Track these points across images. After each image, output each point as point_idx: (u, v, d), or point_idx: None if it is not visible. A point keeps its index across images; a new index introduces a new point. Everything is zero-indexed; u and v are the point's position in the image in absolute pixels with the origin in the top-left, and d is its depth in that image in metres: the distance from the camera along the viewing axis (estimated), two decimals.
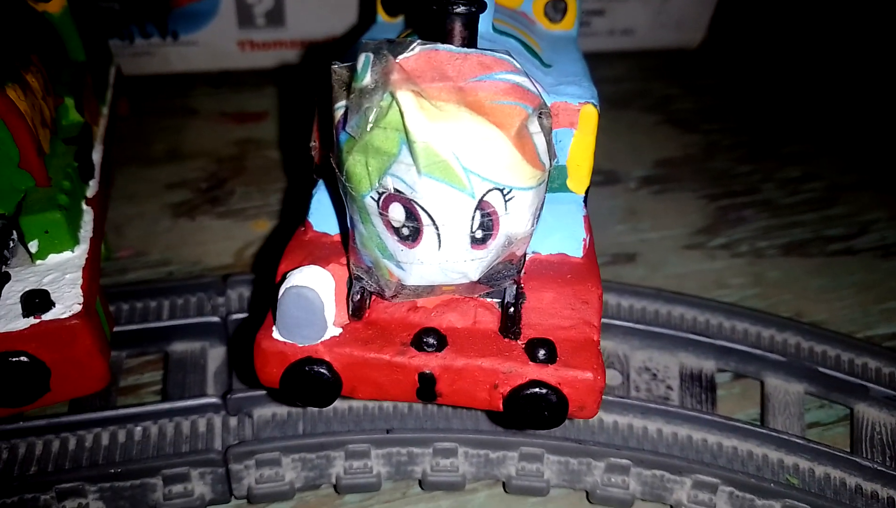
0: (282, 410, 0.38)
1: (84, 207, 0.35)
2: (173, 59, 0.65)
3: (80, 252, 0.31)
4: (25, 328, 0.27)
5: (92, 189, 0.37)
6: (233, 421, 0.37)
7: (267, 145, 0.60)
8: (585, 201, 0.35)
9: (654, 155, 0.63)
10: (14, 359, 0.27)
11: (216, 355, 0.41)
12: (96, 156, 0.41)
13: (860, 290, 0.51)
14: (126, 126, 0.58)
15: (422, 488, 0.37)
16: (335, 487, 0.36)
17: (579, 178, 0.34)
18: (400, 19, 0.44)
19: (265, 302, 0.41)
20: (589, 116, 0.33)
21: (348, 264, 0.31)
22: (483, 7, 0.28)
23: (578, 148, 0.33)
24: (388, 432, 0.36)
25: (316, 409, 0.37)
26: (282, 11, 0.64)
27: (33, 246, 0.31)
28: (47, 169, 0.33)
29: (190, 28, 0.64)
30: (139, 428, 0.36)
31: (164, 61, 0.65)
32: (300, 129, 0.62)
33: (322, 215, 0.34)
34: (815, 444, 0.37)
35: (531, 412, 0.29)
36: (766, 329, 0.44)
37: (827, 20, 0.83)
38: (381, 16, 0.44)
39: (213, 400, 0.37)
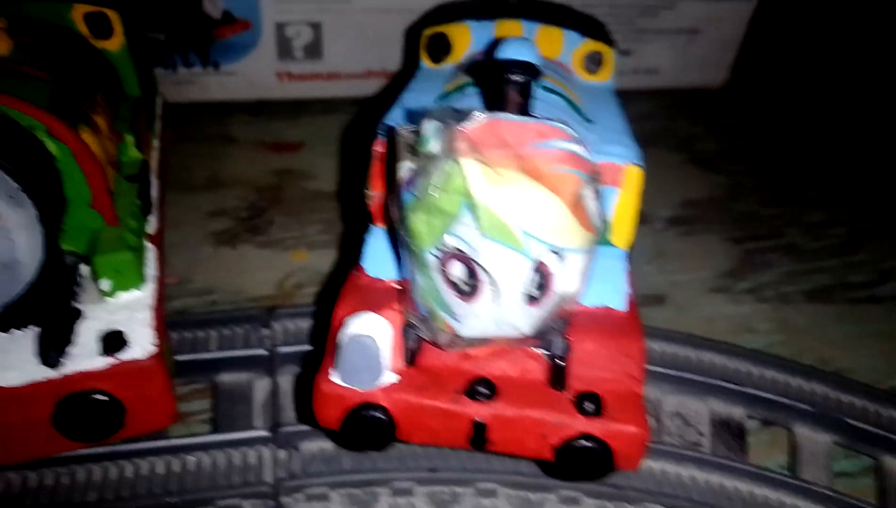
0: (328, 444, 0.39)
1: (147, 244, 0.36)
2: (213, 87, 0.67)
3: (147, 290, 0.33)
4: (104, 368, 0.29)
5: (152, 225, 0.39)
6: (281, 454, 0.39)
7: (303, 176, 0.62)
8: (629, 255, 0.36)
9: (680, 196, 0.64)
10: (94, 397, 0.29)
11: (262, 386, 0.43)
12: (153, 191, 0.43)
13: (884, 338, 0.52)
14: (168, 153, 0.59)
15: None
16: None
17: (623, 234, 0.35)
18: (444, 66, 0.46)
19: (320, 342, 0.42)
20: (633, 176, 0.34)
21: (403, 311, 0.32)
22: (537, 75, 0.30)
23: (623, 206, 0.35)
24: (431, 471, 0.37)
25: None
26: (319, 45, 0.66)
27: (105, 285, 0.32)
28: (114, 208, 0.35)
29: (231, 58, 0.66)
30: (192, 458, 0.38)
31: (204, 89, 0.67)
32: (335, 163, 0.64)
33: (375, 261, 0.35)
34: (844, 496, 0.38)
35: (578, 463, 0.30)
36: (794, 378, 0.46)
37: (850, 64, 0.84)
38: (425, 62, 0.46)
39: (263, 433, 0.39)
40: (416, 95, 0.40)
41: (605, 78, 0.45)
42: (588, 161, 0.28)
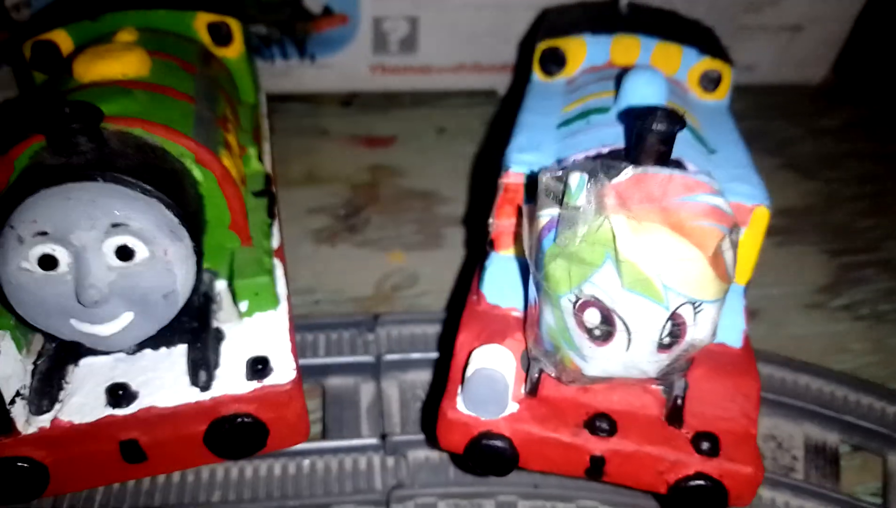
0: (434, 454, 0.41)
1: (275, 260, 0.38)
2: (307, 79, 0.68)
3: (281, 310, 0.35)
4: (251, 392, 0.31)
5: (276, 240, 0.40)
6: (390, 461, 0.41)
7: (397, 173, 0.63)
8: (745, 291, 0.36)
9: (776, 203, 0.63)
10: (241, 420, 0.31)
11: (367, 391, 0.45)
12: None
13: None
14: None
15: None
16: None
17: (743, 271, 0.35)
18: (556, 79, 0.46)
19: (445, 357, 0.44)
20: (761, 218, 0.34)
21: (525, 341, 0.34)
22: (683, 125, 0.30)
23: (747, 245, 0.35)
24: (535, 487, 0.39)
25: None
26: (415, 39, 0.66)
27: (243, 306, 0.34)
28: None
29: (326, 51, 0.67)
30: (307, 462, 0.40)
31: (299, 81, 0.68)
32: (427, 159, 0.64)
33: (494, 289, 0.36)
34: None
35: (694, 500, 0.31)
36: (891, 406, 0.45)
37: None
38: (538, 74, 0.46)
39: (373, 441, 0.41)
40: (535, 118, 0.40)
41: (720, 97, 0.44)
42: (729, 215, 0.28)
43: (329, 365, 0.45)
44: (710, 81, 0.45)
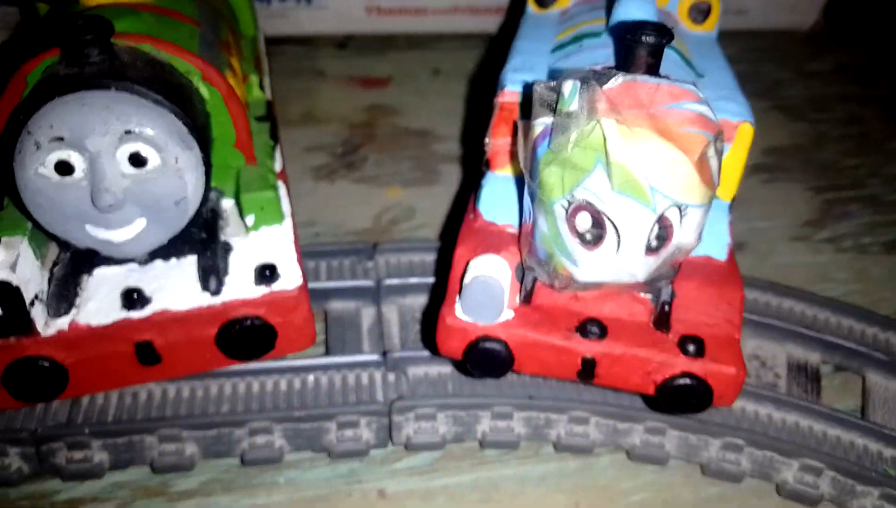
0: (432, 370, 0.43)
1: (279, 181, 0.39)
2: (304, 21, 0.69)
3: (286, 225, 0.36)
4: (259, 297, 0.32)
5: (278, 163, 0.41)
6: (391, 377, 0.42)
7: (393, 112, 0.64)
8: (730, 207, 0.38)
9: (764, 143, 0.64)
10: (251, 323, 0.32)
11: (368, 314, 0.46)
12: None
13: None
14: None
15: (554, 449, 0.42)
16: (480, 442, 0.41)
17: (728, 187, 0.37)
18: (550, 11, 0.47)
19: (441, 279, 0.45)
20: (745, 133, 0.36)
21: (519, 254, 0.35)
22: (671, 38, 0.31)
23: (731, 161, 0.36)
24: (529, 398, 0.41)
25: (463, 373, 0.42)
26: None
27: (249, 220, 0.35)
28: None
29: None
30: (311, 377, 0.42)
31: (295, 23, 0.69)
32: (422, 100, 0.65)
33: (490, 206, 0.38)
34: None
35: (680, 399, 0.33)
36: (870, 327, 0.47)
37: None
38: (532, 6, 0.47)
39: (375, 357, 0.42)
40: (529, 44, 0.41)
41: (709, 28, 0.45)
42: (714, 123, 0.30)
43: (331, 289, 0.46)
44: (700, 13, 0.46)
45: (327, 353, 0.44)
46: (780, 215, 0.58)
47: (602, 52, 0.37)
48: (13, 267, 0.30)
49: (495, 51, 0.71)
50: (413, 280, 0.47)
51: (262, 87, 0.44)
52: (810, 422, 0.42)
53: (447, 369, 0.42)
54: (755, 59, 0.73)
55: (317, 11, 0.68)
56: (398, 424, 0.40)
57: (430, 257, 0.49)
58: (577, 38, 0.40)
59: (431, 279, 0.47)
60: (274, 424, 0.40)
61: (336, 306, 0.46)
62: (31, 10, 0.47)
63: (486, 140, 0.38)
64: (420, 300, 0.47)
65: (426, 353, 0.43)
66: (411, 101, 0.65)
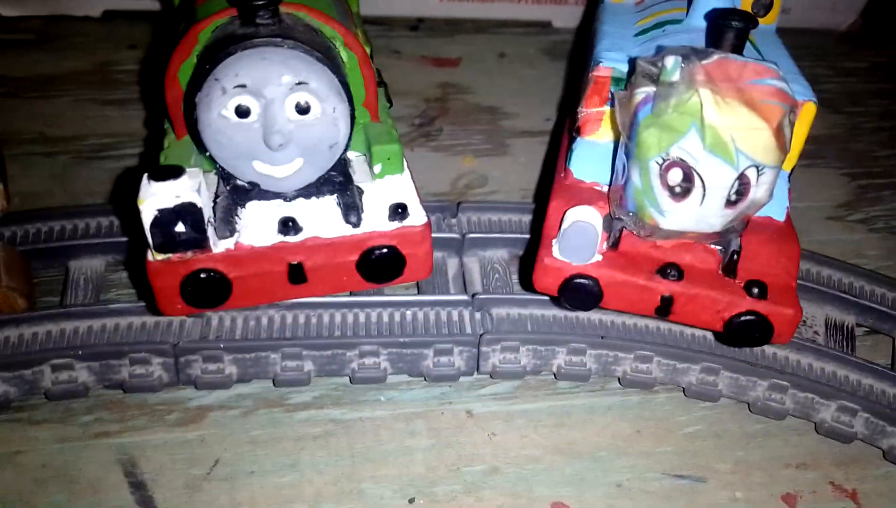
0: (513, 311, 0.48)
1: None
2: (381, 3, 0.74)
3: (406, 175, 0.42)
4: (393, 230, 0.38)
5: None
6: (477, 315, 0.48)
7: (464, 90, 0.70)
8: (789, 176, 0.43)
9: None
10: (386, 251, 0.38)
11: (453, 263, 0.52)
12: None
13: None
14: None
15: (620, 384, 0.47)
16: (554, 374, 0.47)
17: (790, 158, 0.43)
18: (625, 1, 0.52)
19: (536, 228, 0.51)
20: (809, 111, 0.41)
21: (608, 206, 0.41)
22: (756, 24, 0.36)
23: (795, 135, 0.41)
24: (601, 337, 0.47)
25: (541, 314, 0.48)
26: None
27: (377, 168, 0.41)
28: None
29: None
30: (409, 312, 0.48)
31: (373, 5, 0.74)
32: (489, 80, 0.71)
33: (580, 166, 0.44)
34: None
35: (745, 334, 0.39)
36: None
37: None
38: None
39: (464, 297, 0.48)
40: (614, 29, 0.47)
41: (770, 21, 0.51)
42: (791, 96, 0.35)
43: None
44: (763, 7, 0.51)
45: (420, 293, 0.50)
46: (817, 197, 0.64)
47: (684, 37, 0.42)
48: (198, 191, 0.36)
49: (554, 39, 0.77)
50: (492, 236, 0.53)
51: (371, 57, 0.49)
52: (846, 372, 0.48)
53: (526, 310, 0.48)
54: (795, 56, 0.78)
55: None
56: (485, 354, 0.46)
57: (507, 217, 0.55)
58: (660, 24, 0.45)
59: (508, 235, 0.53)
60: (380, 348, 0.45)
61: None
62: None
63: (580, 109, 0.43)
64: (499, 253, 0.53)
65: (509, 296, 0.48)
66: (480, 80, 0.71)
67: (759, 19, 0.51)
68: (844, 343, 0.51)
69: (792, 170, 0.43)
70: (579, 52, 0.46)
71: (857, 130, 0.72)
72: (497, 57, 0.74)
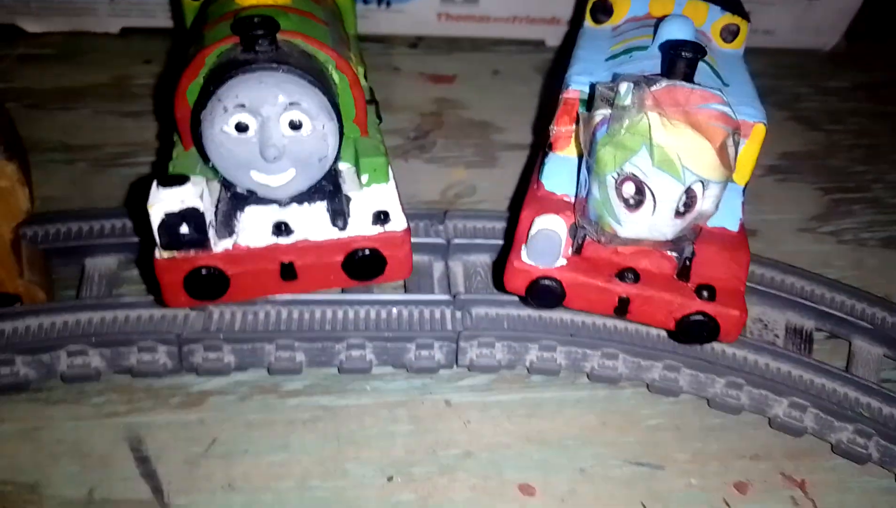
0: (492, 311, 0.52)
1: None
2: (382, 22, 0.79)
3: (390, 185, 0.46)
4: (376, 234, 0.43)
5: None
6: (458, 314, 0.52)
7: (459, 105, 0.74)
8: (744, 190, 0.47)
9: (780, 148, 0.73)
10: (369, 253, 0.43)
11: (438, 267, 0.56)
12: None
13: None
14: None
15: (588, 379, 0.51)
16: (527, 369, 0.51)
17: (743, 174, 0.46)
18: (604, 27, 0.56)
19: (510, 235, 0.55)
20: (759, 132, 0.45)
21: (574, 216, 0.45)
22: (704, 54, 0.40)
23: (746, 154, 0.45)
24: (570, 335, 0.50)
25: (516, 314, 0.52)
26: None
27: (364, 178, 0.45)
28: None
29: None
30: (395, 310, 0.52)
31: (374, 24, 0.79)
32: (484, 96, 0.75)
33: (551, 179, 0.47)
34: (885, 390, 0.50)
35: (694, 332, 0.43)
36: (860, 303, 0.56)
37: None
38: (588, 22, 0.57)
39: (446, 297, 0.52)
40: (587, 53, 0.51)
41: (737, 46, 0.55)
42: (734, 120, 0.39)
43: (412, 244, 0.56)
44: (730, 33, 0.55)
45: (407, 292, 0.54)
46: (789, 209, 0.67)
47: (648, 63, 0.46)
48: (201, 197, 0.40)
49: (546, 57, 0.81)
50: (476, 241, 0.57)
51: (365, 77, 0.54)
52: (801, 371, 0.51)
53: (503, 310, 0.52)
54: (778, 75, 0.82)
55: (394, 14, 0.78)
56: (464, 349, 0.50)
57: (490, 225, 0.59)
58: (628, 51, 0.49)
59: (491, 241, 0.57)
60: (366, 341, 0.50)
61: (413, 258, 0.56)
62: (179, 8, 0.58)
63: (551, 127, 0.47)
64: (482, 258, 0.57)
65: (487, 296, 0.53)
66: (474, 96, 0.75)
67: (727, 44, 0.55)
68: (802, 346, 0.55)
69: (746, 185, 0.47)
70: (560, 71, 0.50)
71: (834, 147, 0.75)
72: (491, 74, 0.79)
